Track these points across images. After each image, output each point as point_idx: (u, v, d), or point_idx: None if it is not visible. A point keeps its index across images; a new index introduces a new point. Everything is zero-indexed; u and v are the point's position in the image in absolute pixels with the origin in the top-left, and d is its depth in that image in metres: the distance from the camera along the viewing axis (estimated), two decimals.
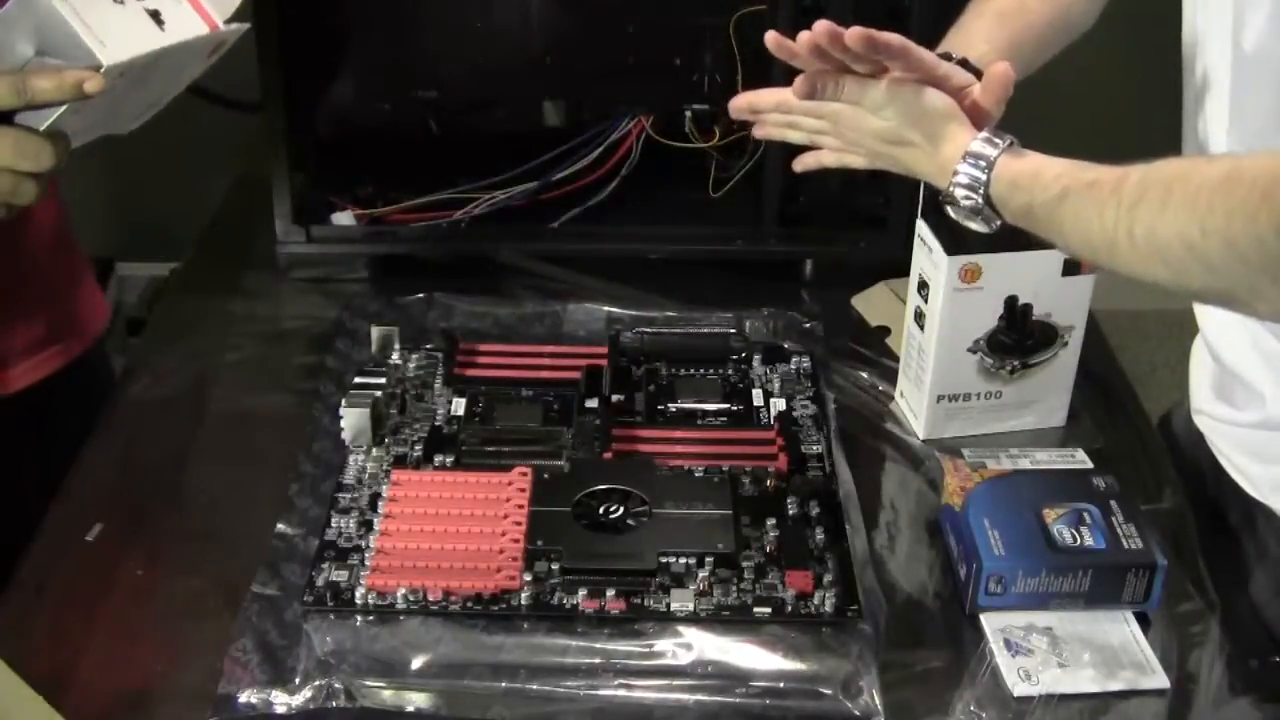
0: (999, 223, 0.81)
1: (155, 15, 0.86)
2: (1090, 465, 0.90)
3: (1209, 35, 0.86)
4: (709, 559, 0.85)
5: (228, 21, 0.90)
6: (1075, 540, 0.83)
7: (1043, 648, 0.81)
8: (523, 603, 0.82)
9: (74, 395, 1.07)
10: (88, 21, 0.81)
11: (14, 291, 1.03)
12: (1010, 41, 0.92)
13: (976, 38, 0.91)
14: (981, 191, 0.80)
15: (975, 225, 0.82)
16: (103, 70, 0.80)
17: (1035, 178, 0.78)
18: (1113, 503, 0.86)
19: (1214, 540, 0.91)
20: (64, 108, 0.81)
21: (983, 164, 0.80)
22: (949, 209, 0.83)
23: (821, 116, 0.87)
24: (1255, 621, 0.90)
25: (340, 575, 0.84)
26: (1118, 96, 2.17)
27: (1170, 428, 1.05)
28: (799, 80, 0.84)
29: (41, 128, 0.81)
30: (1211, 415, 0.96)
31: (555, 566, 0.84)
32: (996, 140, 0.80)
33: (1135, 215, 0.72)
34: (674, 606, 0.82)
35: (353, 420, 0.95)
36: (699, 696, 0.77)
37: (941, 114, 0.82)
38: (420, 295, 1.14)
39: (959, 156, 0.81)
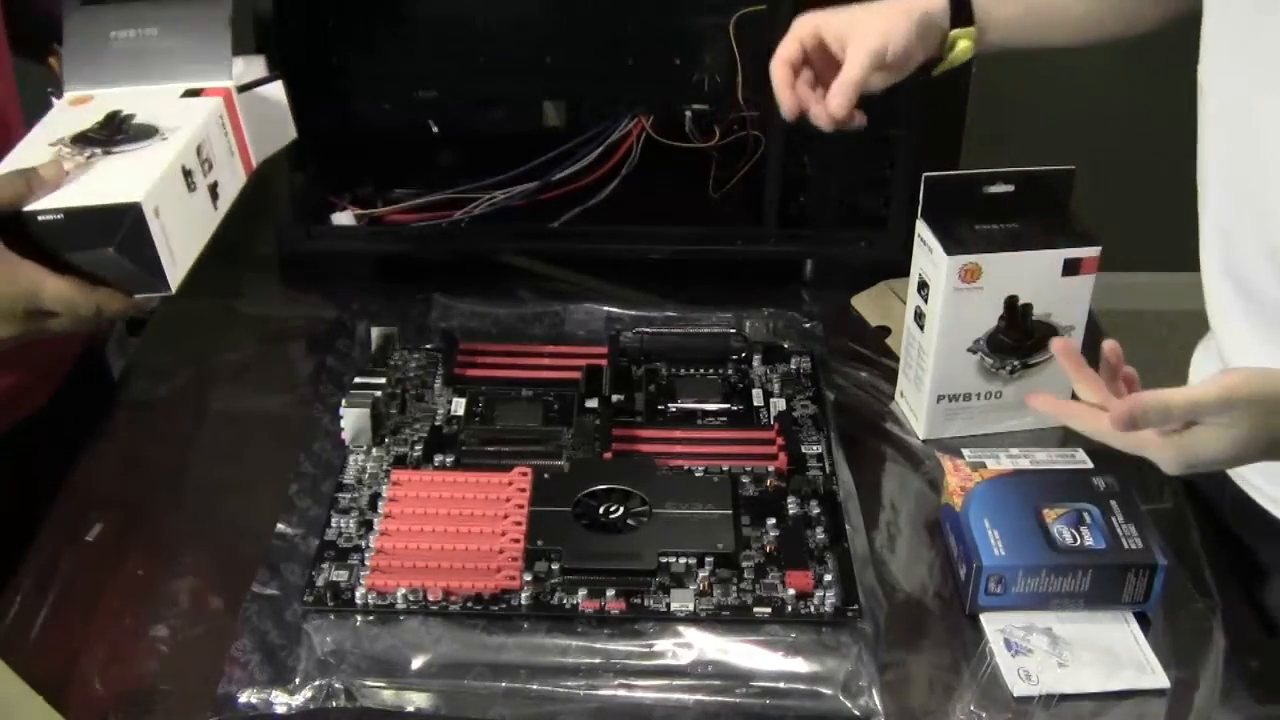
0: None
1: (214, 190, 0.88)
2: (1090, 465, 0.90)
3: None
4: (709, 559, 0.85)
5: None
6: (1075, 540, 0.83)
7: (1043, 648, 0.81)
8: (523, 603, 0.82)
9: (74, 395, 1.07)
10: (171, 243, 0.81)
11: None
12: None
13: None
14: None
15: None
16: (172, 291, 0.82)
17: None
18: (1113, 503, 0.86)
19: (1214, 540, 0.91)
20: None
21: None
22: None
23: (1138, 446, 0.75)
24: (1256, 621, 0.90)
25: (340, 575, 0.84)
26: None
27: None
28: (1119, 416, 0.72)
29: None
30: None
31: (555, 566, 0.84)
32: None
33: None
34: (674, 606, 0.82)
35: (353, 420, 0.95)
36: (699, 696, 0.77)
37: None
38: (420, 295, 1.14)
39: None
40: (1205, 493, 0.96)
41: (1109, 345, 0.76)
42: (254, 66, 1.02)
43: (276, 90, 0.96)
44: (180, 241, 0.82)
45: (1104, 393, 0.76)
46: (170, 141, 0.84)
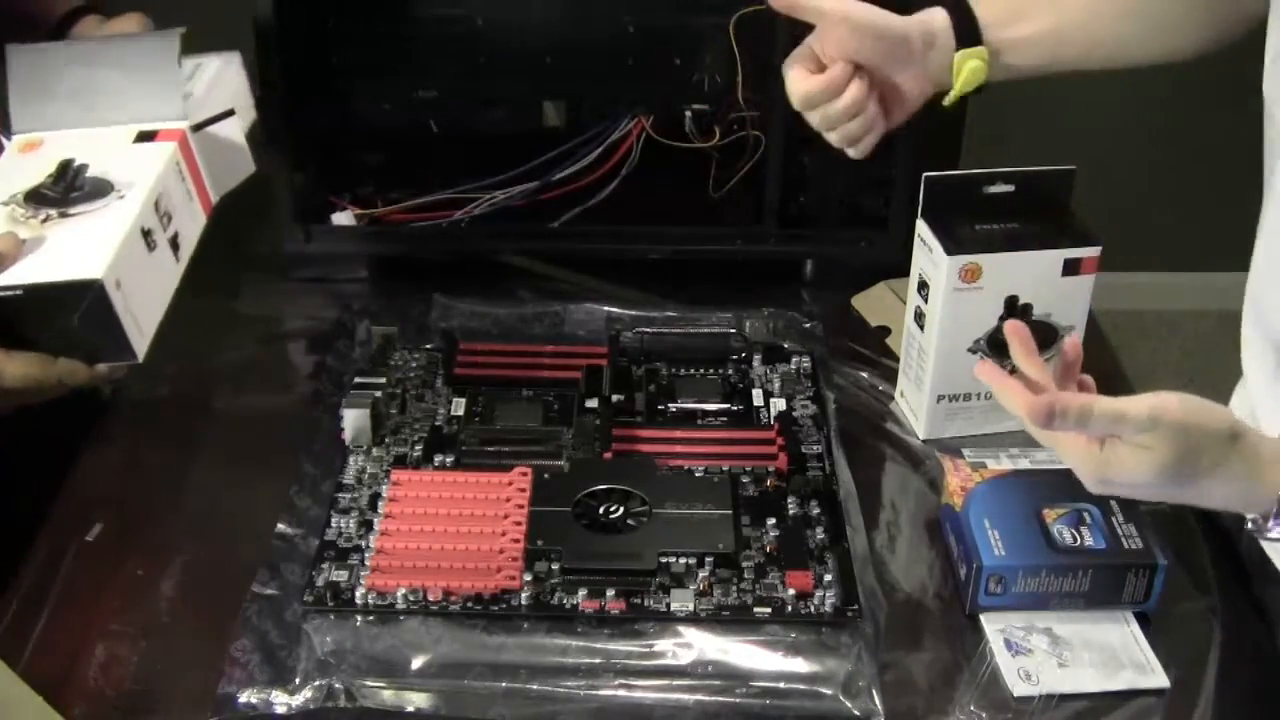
0: None
1: (174, 241, 0.86)
2: None
3: None
4: (709, 559, 0.85)
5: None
6: (1075, 540, 0.83)
7: (1043, 648, 0.81)
8: (523, 603, 0.82)
9: (73, 395, 1.07)
10: (134, 311, 0.80)
11: None
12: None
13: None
14: None
15: None
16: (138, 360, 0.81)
17: None
18: (1113, 503, 0.86)
19: (1214, 540, 0.91)
20: None
21: None
22: (1268, 530, 0.72)
23: (1055, 446, 0.74)
24: (1256, 621, 0.90)
25: (340, 575, 0.84)
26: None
27: None
28: (1035, 406, 0.70)
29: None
30: None
31: (555, 566, 0.84)
32: None
33: None
34: (674, 606, 0.82)
35: (353, 420, 0.95)
36: (699, 696, 0.77)
37: (1227, 432, 0.70)
38: (420, 295, 1.14)
39: None
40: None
41: (1070, 341, 0.75)
42: (231, 66, 1.01)
43: (232, 127, 0.94)
44: (144, 306, 0.80)
45: (1048, 384, 0.74)
46: (128, 200, 0.82)
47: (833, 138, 0.92)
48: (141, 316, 0.80)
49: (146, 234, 0.82)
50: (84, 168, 0.85)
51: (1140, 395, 0.70)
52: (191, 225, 0.89)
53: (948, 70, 0.90)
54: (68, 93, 0.90)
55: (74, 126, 0.89)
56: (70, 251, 0.78)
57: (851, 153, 0.92)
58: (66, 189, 0.83)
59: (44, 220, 0.81)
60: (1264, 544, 0.81)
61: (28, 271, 0.77)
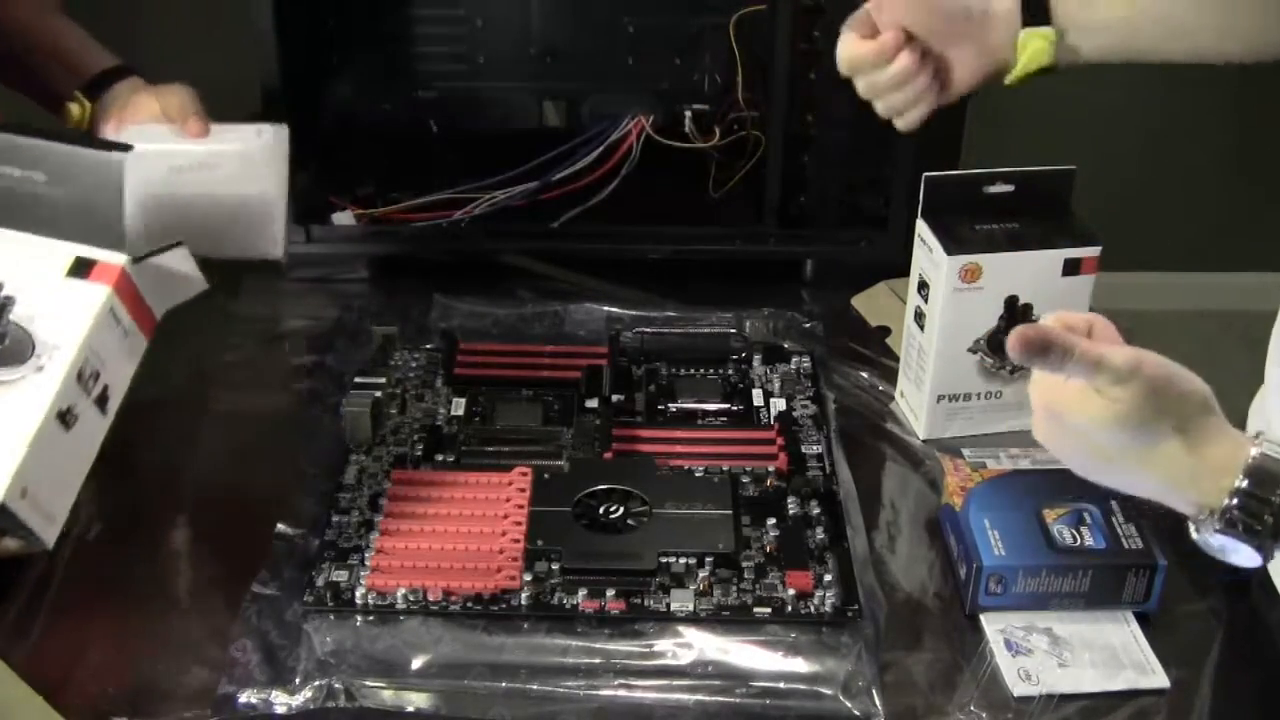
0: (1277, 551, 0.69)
1: (102, 399, 0.80)
2: None
3: None
4: (709, 559, 0.85)
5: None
6: (1075, 540, 0.83)
7: (1043, 648, 0.81)
8: (523, 603, 0.82)
9: None
10: (47, 504, 0.76)
11: None
12: None
13: None
14: (1272, 518, 0.67)
15: (1239, 558, 0.70)
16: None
17: None
18: (1113, 503, 0.86)
19: None
20: None
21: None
22: (1201, 530, 0.70)
23: (1036, 384, 0.72)
24: (1256, 622, 0.90)
25: (340, 575, 0.84)
26: None
27: None
28: (1021, 336, 0.67)
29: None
30: None
31: (555, 566, 0.84)
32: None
33: None
34: (674, 606, 0.82)
35: (353, 420, 0.95)
36: (699, 696, 0.77)
37: (1199, 402, 0.68)
38: (420, 295, 1.14)
39: (1235, 468, 0.68)
40: None
41: (1070, 317, 0.71)
42: (265, 135, 1.00)
43: (180, 256, 0.86)
44: (56, 491, 0.77)
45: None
46: (46, 375, 0.76)
47: (878, 107, 0.90)
48: (53, 503, 0.77)
49: (64, 415, 0.77)
50: (10, 302, 0.78)
51: (1119, 346, 0.68)
52: (127, 364, 0.83)
53: (1011, 47, 0.87)
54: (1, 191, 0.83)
55: (3, 226, 0.82)
56: None
57: (898, 124, 0.90)
58: None
59: None
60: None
61: None
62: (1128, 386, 0.67)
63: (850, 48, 0.88)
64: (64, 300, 0.79)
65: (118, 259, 0.81)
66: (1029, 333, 0.67)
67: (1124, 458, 0.70)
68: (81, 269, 0.81)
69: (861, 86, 0.89)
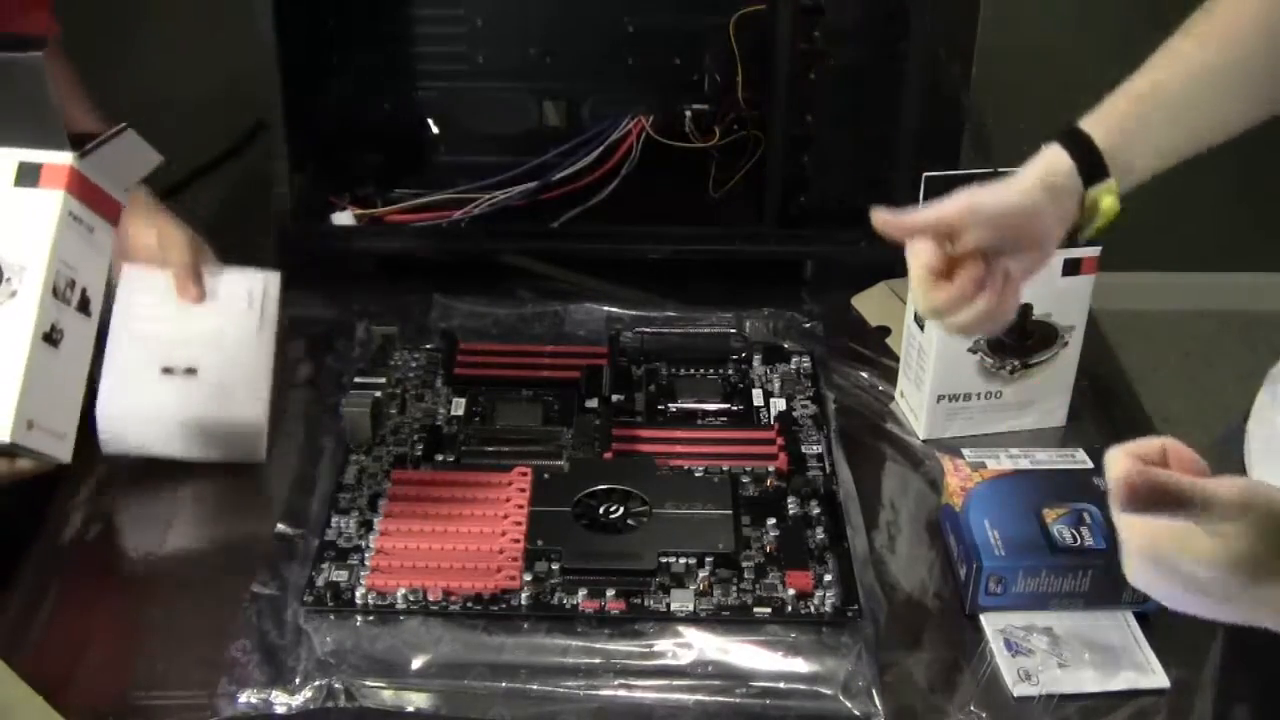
0: None
1: (83, 302, 0.77)
2: (1090, 465, 0.90)
3: None
4: (709, 559, 0.85)
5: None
6: (1075, 540, 0.83)
7: (1043, 648, 0.81)
8: (523, 603, 0.82)
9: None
10: (53, 423, 0.74)
11: None
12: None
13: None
14: None
15: None
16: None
17: None
18: None
19: None
20: None
21: None
22: None
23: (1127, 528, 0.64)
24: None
25: (340, 575, 0.84)
26: None
27: None
28: (1128, 486, 0.60)
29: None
30: None
31: (555, 566, 0.84)
32: None
33: None
34: (674, 606, 0.82)
35: (353, 420, 0.95)
36: (699, 696, 0.77)
37: None
38: (420, 295, 1.13)
39: None
40: None
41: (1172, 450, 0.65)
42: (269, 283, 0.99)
43: (129, 137, 0.81)
44: (61, 408, 0.75)
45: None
46: (20, 299, 0.72)
47: (946, 328, 0.84)
48: (60, 422, 0.75)
49: (49, 335, 0.73)
50: None
51: (1226, 479, 0.61)
52: (99, 259, 0.78)
53: (1077, 206, 0.84)
54: None
55: None
56: None
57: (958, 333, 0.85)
58: None
59: None
60: None
61: None
62: (1239, 523, 0.61)
63: (932, 298, 0.82)
64: (18, 213, 0.74)
65: (64, 158, 0.75)
66: (1135, 481, 0.60)
67: (1241, 599, 0.64)
68: (28, 176, 0.75)
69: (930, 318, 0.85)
